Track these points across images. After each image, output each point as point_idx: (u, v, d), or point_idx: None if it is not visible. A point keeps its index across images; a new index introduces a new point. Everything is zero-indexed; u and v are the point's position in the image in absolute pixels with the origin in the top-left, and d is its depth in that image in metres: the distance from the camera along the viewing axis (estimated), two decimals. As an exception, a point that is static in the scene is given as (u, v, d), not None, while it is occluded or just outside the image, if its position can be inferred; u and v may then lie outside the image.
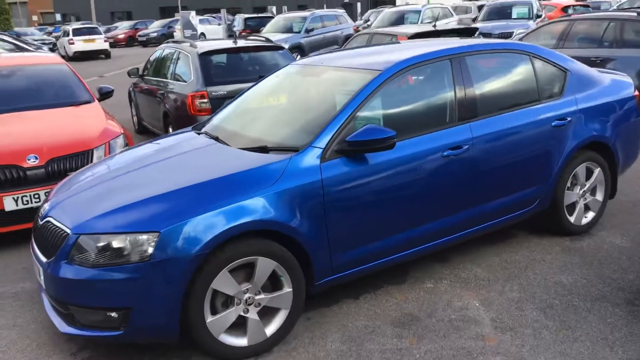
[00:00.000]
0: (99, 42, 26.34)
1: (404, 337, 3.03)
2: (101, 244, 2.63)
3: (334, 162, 3.05)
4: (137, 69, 8.45)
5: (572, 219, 4.15)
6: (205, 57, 6.46)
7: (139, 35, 34.73)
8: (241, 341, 2.86)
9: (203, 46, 6.69)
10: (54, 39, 30.81)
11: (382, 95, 3.36)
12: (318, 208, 2.97)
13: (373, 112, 3.35)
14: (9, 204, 4.25)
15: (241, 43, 6.99)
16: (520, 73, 3.95)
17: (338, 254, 3.10)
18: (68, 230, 2.73)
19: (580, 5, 19.00)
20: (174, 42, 7.77)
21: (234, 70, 6.64)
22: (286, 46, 18.13)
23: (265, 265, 2.82)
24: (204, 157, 3.30)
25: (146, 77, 8.06)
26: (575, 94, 4.05)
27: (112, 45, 31.76)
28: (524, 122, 3.74)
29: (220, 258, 2.70)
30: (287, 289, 2.93)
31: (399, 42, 4.73)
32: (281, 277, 2.91)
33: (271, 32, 18.19)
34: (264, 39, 7.48)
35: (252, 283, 2.83)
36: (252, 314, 2.86)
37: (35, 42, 25.31)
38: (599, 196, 4.27)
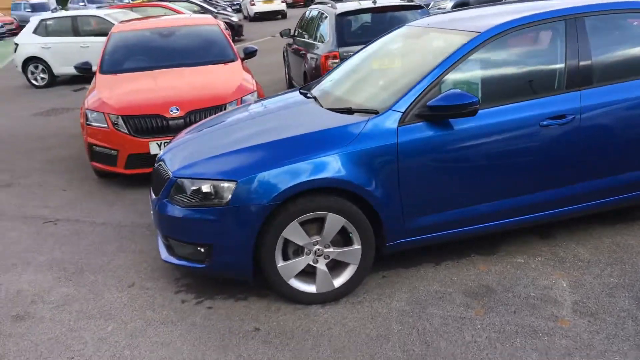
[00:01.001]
0: (277, 3, 27.89)
1: (471, 307, 3.00)
2: (193, 187, 3.02)
3: (414, 126, 3.05)
4: (289, 29, 8.93)
5: None
6: (342, 17, 6.62)
7: (315, -6, 35.92)
8: (310, 287, 3.09)
9: (342, 7, 6.84)
10: (241, 0, 33.42)
11: (479, 59, 3.23)
12: (391, 171, 3.02)
13: (467, 75, 3.24)
14: (154, 148, 4.97)
15: (381, 2, 7.00)
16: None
17: (412, 217, 3.13)
18: (170, 173, 3.18)
19: None
20: (320, 2, 8.04)
21: (371, 30, 6.69)
22: (450, 4, 17.44)
23: (334, 221, 2.98)
24: (295, 115, 3.52)
25: (296, 38, 8.50)
26: None
27: (291, 5, 33.45)
28: (651, 91, 3.29)
29: (292, 210, 2.92)
30: (356, 246, 3.07)
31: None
32: (351, 234, 3.05)
33: (438, -11, 17.61)
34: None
35: (322, 236, 3.02)
36: (321, 265, 3.06)
37: (222, 4, 27.85)
38: None
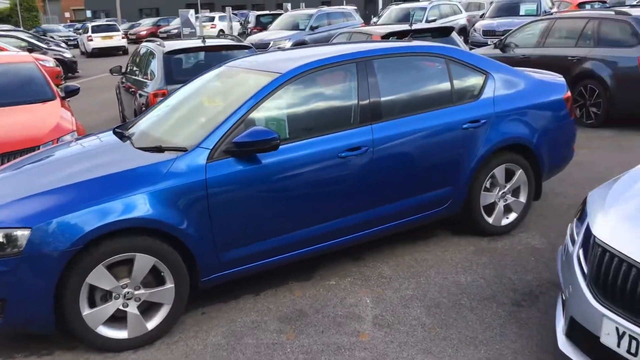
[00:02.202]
0: (117, 39, 26.93)
1: (284, 332, 3.14)
2: (-18, 237, 2.81)
3: (222, 162, 3.17)
4: (120, 66, 8.70)
5: (490, 219, 4.18)
6: (170, 55, 6.64)
7: (160, 32, 35.37)
8: (121, 333, 3.01)
9: (170, 45, 6.88)
10: (78, 35, 31.69)
11: (282, 97, 3.47)
12: (202, 207, 3.10)
13: (275, 113, 3.46)
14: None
15: (210, 42, 7.16)
16: (433, 76, 4.00)
17: (226, 251, 3.23)
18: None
19: (598, 0, 18.50)
20: (148, 40, 7.98)
21: (198, 69, 6.79)
22: (289, 44, 18.30)
23: (143, 262, 2.96)
24: (105, 156, 3.46)
25: (127, 75, 8.30)
26: (495, 96, 4.08)
27: (134, 41, 32.44)
28: (431, 124, 3.79)
29: (95, 254, 2.85)
30: (169, 285, 3.07)
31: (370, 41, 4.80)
32: (162, 274, 3.05)
33: (278, 29, 18.37)
34: (233, 38, 7.62)
35: (131, 278, 2.97)
36: (132, 308, 3.01)
37: (57, 39, 26.18)
38: (522, 198, 4.29)
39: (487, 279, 3.59)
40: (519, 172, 4.20)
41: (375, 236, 3.80)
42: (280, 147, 3.29)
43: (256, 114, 3.35)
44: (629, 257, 2.15)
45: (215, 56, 7.02)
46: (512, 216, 4.30)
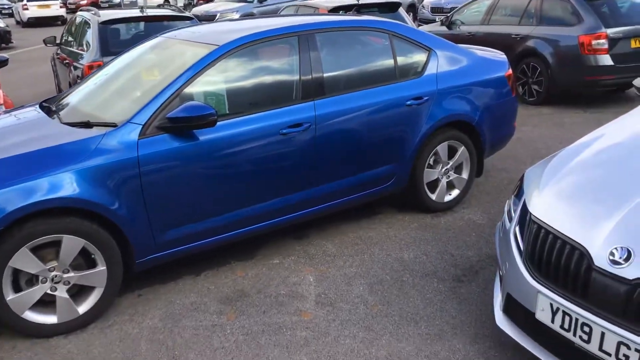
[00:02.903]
0: (54, 8, 25.54)
1: (224, 313, 3.06)
2: None
3: (156, 138, 3.02)
4: (55, 37, 8.21)
5: (433, 196, 4.20)
6: (105, 26, 6.30)
7: (102, 2, 33.75)
8: (51, 318, 2.86)
9: (106, 15, 6.52)
10: (13, 3, 29.82)
11: (221, 71, 3.32)
12: (134, 185, 2.95)
13: (214, 87, 3.31)
14: None
15: (149, 12, 6.84)
16: (376, 52, 3.94)
17: (163, 231, 3.10)
18: None
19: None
20: (85, 9, 7.54)
21: (137, 40, 6.47)
22: (237, 16, 17.84)
23: (72, 244, 2.80)
24: (29, 131, 3.23)
25: (62, 46, 7.85)
26: (438, 73, 4.06)
27: (73, 11, 30.81)
28: (375, 100, 3.74)
29: (18, 236, 2.66)
30: (101, 267, 2.92)
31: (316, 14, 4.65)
32: (93, 256, 2.90)
33: (225, 1, 17.86)
34: (175, 9, 7.31)
35: (59, 261, 2.81)
36: (61, 292, 2.85)
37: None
38: (465, 174, 4.33)
39: (430, 255, 3.62)
40: (462, 149, 4.23)
41: (319, 214, 3.75)
42: (220, 123, 3.18)
43: (193, 88, 3.20)
44: (563, 234, 2.18)
45: (155, 27, 6.72)
46: (455, 193, 4.34)
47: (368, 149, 3.77)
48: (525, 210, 2.48)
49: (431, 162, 4.15)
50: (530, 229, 2.35)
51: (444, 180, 4.23)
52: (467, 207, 4.36)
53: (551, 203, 2.35)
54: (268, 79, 3.51)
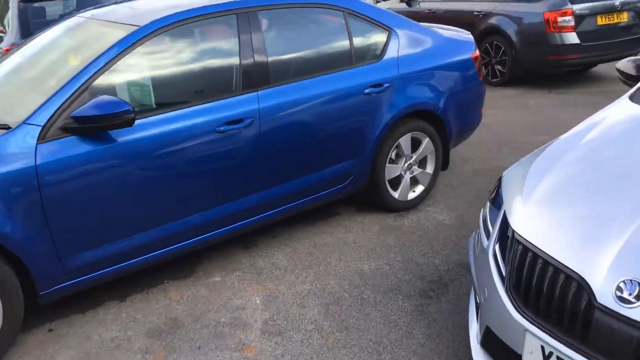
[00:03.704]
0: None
1: (150, 351, 2.56)
2: None
3: (60, 142, 2.47)
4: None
5: (396, 194, 3.77)
6: (26, 4, 5.58)
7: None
8: None
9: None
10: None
11: (144, 57, 2.77)
12: (32, 201, 2.39)
13: (132, 77, 2.76)
14: None
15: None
16: (329, 32, 3.44)
17: (73, 255, 2.56)
18: None
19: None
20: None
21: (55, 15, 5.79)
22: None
23: (-49, 278, 2.24)
24: None
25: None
26: (399, 56, 3.60)
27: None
28: (328, 89, 3.25)
29: None
30: (-6, 304, 2.38)
31: None
32: (-18, 290, 2.34)
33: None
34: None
35: None
36: (-59, 338, 2.30)
37: None
38: (429, 168, 3.91)
39: (393, 265, 3.19)
40: (426, 141, 3.80)
41: (266, 222, 3.27)
42: (143, 121, 2.65)
43: (109, 79, 2.65)
44: (555, 260, 1.77)
45: (88, 4, 6.01)
46: (419, 189, 3.92)
47: (321, 145, 3.30)
48: (505, 224, 2.06)
49: (393, 157, 3.71)
50: (513, 250, 1.93)
51: (407, 176, 3.80)
52: (433, 205, 3.95)
53: (538, 217, 1.94)
54: (201, 66, 2.96)
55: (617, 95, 6.68)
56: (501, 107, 6.39)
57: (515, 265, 1.90)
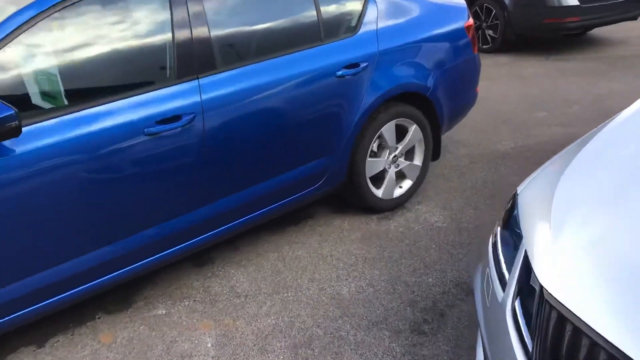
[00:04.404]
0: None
1: (68, 423, 1.99)
2: None
3: None
4: None
5: (379, 192, 3.19)
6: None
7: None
8: None
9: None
10: None
11: (45, 39, 2.11)
12: None
13: (34, 65, 2.10)
14: None
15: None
16: (291, 1, 2.77)
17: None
18: None
19: None
20: None
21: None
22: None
23: None
24: None
25: None
26: (378, 28, 2.96)
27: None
28: (290, 73, 2.61)
29: None
30: None
31: None
32: None
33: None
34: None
35: None
36: None
37: None
38: (417, 160, 3.33)
39: (377, 286, 2.63)
40: (413, 128, 3.20)
41: (220, 238, 2.67)
42: (47, 123, 2.03)
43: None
44: (606, 339, 1.20)
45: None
46: (407, 184, 3.34)
47: (285, 142, 2.68)
48: (528, 271, 1.49)
49: (375, 149, 3.12)
50: (543, 315, 1.35)
51: (392, 171, 3.22)
52: (422, 202, 3.38)
53: (577, 268, 1.36)
54: (124, 48, 2.30)
55: (619, 61, 6.12)
56: (494, 78, 5.78)
57: (546, 338, 1.33)
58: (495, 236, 1.79)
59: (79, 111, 2.11)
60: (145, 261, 2.40)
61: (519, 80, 5.69)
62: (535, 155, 3.91)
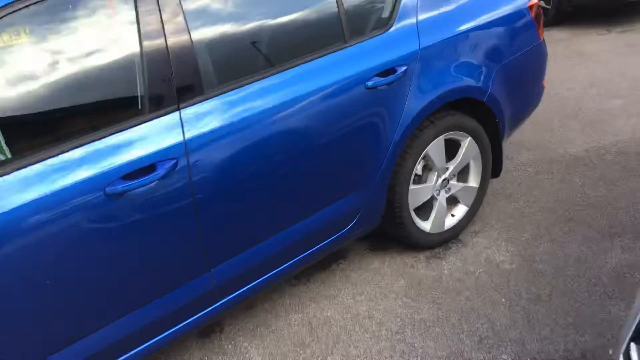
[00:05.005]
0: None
1: None
2: None
3: None
4: None
5: (427, 225, 2.53)
6: None
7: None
8: None
9: None
10: None
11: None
12: None
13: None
14: None
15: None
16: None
17: None
18: None
19: None
20: None
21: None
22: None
23: None
24: None
25: None
26: (419, 20, 2.26)
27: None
28: (306, 91, 1.95)
29: None
30: None
31: None
32: None
33: None
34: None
35: None
36: None
37: None
38: (473, 181, 2.64)
39: (432, 368, 1.99)
40: (467, 142, 2.51)
41: (223, 311, 2.07)
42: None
43: None
44: None
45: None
46: (460, 211, 2.66)
47: (304, 182, 2.05)
48: None
49: (419, 172, 2.45)
50: None
51: (441, 197, 2.54)
52: (481, 232, 2.70)
53: None
54: (78, 75, 1.68)
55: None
56: (552, 58, 4.93)
57: None
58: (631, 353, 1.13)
59: (18, 169, 1.53)
60: (140, 348, 1.83)
61: (581, 59, 4.87)
62: (617, 158, 3.17)
